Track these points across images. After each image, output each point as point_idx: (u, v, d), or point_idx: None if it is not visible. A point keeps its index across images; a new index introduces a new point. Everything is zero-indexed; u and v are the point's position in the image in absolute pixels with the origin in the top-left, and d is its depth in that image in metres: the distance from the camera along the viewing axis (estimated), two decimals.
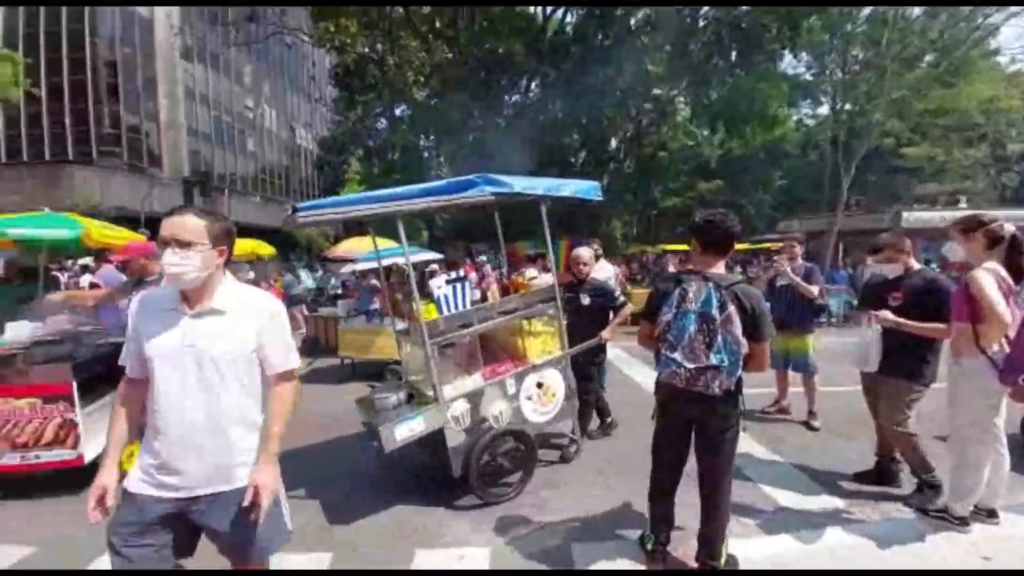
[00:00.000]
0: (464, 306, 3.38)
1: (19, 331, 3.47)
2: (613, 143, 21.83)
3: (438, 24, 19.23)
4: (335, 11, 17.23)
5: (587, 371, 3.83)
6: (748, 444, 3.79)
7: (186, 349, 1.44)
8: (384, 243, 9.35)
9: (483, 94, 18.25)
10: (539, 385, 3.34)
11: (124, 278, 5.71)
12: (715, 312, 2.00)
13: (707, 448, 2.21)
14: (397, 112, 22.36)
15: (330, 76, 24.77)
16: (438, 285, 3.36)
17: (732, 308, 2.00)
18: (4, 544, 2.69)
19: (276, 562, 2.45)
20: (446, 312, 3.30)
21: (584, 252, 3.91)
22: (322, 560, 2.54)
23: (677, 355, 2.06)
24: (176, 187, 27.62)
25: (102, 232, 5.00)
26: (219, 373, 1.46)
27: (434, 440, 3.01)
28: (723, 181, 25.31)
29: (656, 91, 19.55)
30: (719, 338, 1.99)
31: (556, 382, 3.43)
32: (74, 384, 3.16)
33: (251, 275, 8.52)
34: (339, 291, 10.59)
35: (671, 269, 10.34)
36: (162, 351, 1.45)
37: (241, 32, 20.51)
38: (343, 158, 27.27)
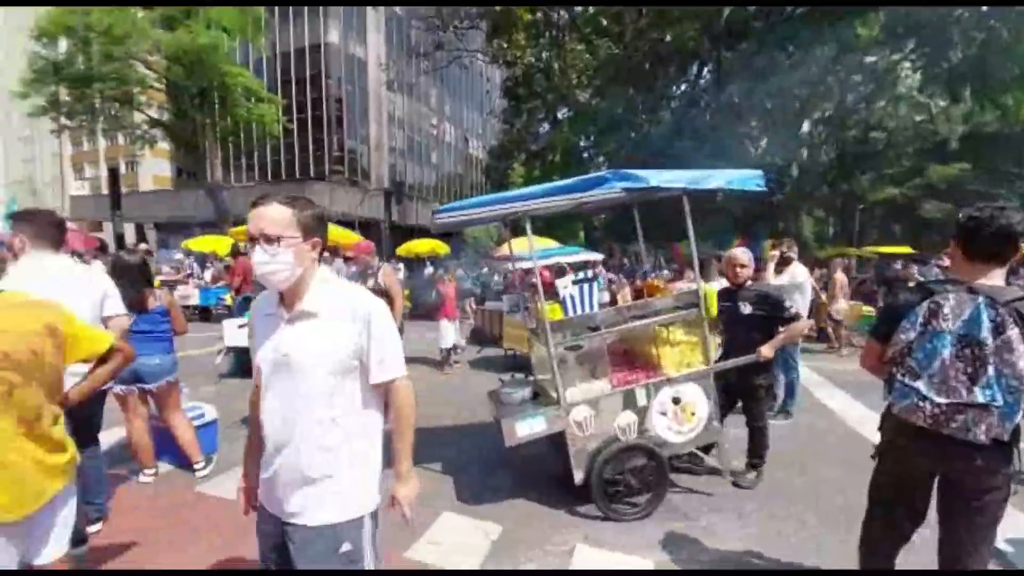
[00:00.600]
0: (591, 308, 3.19)
1: None
2: (805, 126, 18.73)
3: (604, 22, 19.14)
4: (508, 27, 18.55)
5: (754, 392, 3.31)
6: (1013, 515, 2.82)
7: (280, 358, 1.31)
8: (546, 243, 9.75)
9: (648, 86, 17.52)
10: (676, 401, 3.02)
11: (352, 270, 7.10)
12: (985, 335, 1.55)
13: (959, 510, 1.71)
14: (559, 115, 23.02)
15: (501, 89, 26.92)
16: (564, 285, 3.24)
17: (1014, 332, 1.53)
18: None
19: (447, 522, 2.79)
20: (572, 313, 3.15)
21: (741, 253, 3.36)
22: (492, 530, 2.77)
23: (920, 384, 1.65)
24: (379, 196, 33.17)
25: (334, 232, 6.34)
26: (312, 384, 1.29)
27: (559, 442, 2.95)
28: (969, 165, 19.55)
29: (868, 59, 16.11)
30: (990, 369, 1.54)
31: (697, 400, 3.05)
32: None
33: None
34: (502, 287, 11.38)
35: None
36: (262, 359, 1.35)
37: (430, 59, 23.59)
38: (508, 163, 29.22)
